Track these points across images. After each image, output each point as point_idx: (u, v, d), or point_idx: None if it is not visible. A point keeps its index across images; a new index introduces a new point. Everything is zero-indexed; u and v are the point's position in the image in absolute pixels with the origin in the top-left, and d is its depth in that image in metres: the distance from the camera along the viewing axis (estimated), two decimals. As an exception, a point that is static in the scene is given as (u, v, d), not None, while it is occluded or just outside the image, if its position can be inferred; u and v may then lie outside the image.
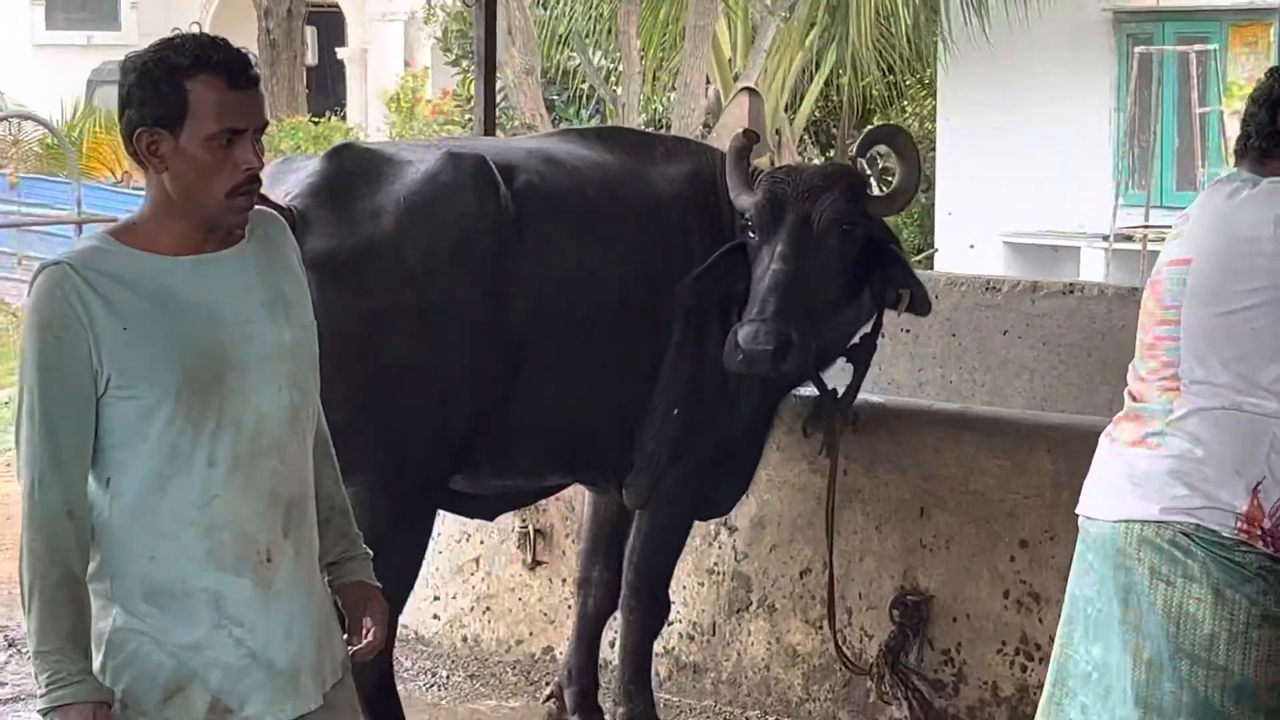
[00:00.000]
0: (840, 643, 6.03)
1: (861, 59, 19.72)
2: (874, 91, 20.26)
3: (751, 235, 5.60)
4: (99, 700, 3.07)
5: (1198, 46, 18.47)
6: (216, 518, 3.16)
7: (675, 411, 5.71)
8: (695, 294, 5.66)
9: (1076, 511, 4.14)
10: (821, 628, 6.11)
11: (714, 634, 6.55)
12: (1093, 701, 4.06)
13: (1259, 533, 3.75)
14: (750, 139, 6.05)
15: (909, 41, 20.01)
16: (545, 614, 6.97)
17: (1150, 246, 16.20)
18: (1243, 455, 3.80)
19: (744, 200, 5.65)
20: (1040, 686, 5.29)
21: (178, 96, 3.10)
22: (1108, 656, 4.00)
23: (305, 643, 3.30)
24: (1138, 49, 18.61)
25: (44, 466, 3.09)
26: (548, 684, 6.46)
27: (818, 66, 20.87)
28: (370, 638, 3.50)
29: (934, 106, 20.26)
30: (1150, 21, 19.01)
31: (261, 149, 3.31)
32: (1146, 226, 17.25)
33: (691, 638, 6.60)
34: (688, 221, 5.79)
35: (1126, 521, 3.89)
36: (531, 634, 7.08)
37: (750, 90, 16.69)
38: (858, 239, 5.65)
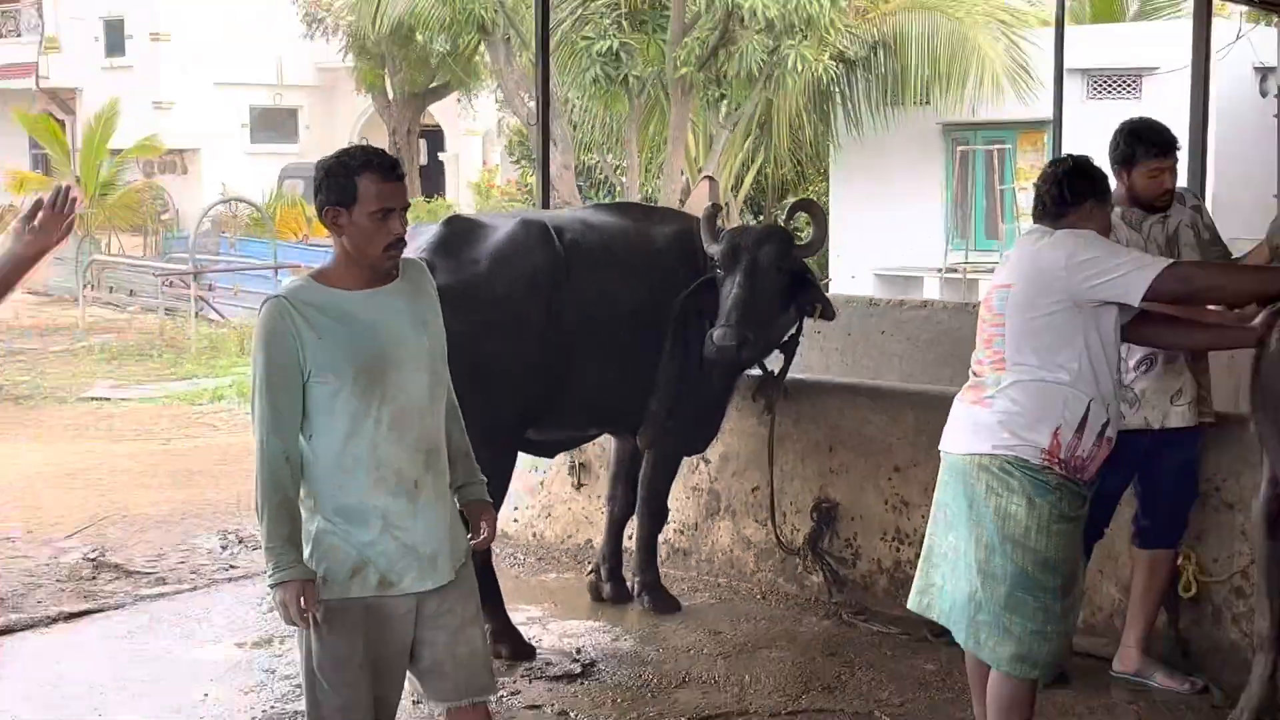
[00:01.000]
0: (778, 535, 6.84)
1: (780, 156, 22.39)
2: (788, 177, 23.14)
3: (719, 271, 6.21)
4: (307, 578, 3.60)
5: (998, 146, 21.15)
6: (381, 460, 3.68)
7: (670, 387, 6.31)
8: (683, 309, 6.30)
9: (939, 447, 4.58)
10: (766, 525, 6.88)
11: (696, 530, 7.23)
12: (949, 569, 4.46)
13: (1057, 461, 4.26)
14: (715, 209, 6.69)
15: (810, 144, 22.74)
16: (587, 518, 7.51)
17: (969, 276, 19.50)
18: (1045, 410, 4.27)
19: (713, 248, 6.28)
20: (908, 562, 6.19)
21: (351, 186, 3.66)
22: (959, 542, 4.38)
23: (440, 539, 3.80)
24: (959, 148, 21.47)
25: (269, 428, 3.62)
26: (589, 564, 7.06)
27: (752, 161, 23.07)
28: (483, 534, 4.03)
29: (827, 186, 22.83)
30: (967, 130, 21.69)
31: (406, 221, 3.77)
32: (966, 263, 20.16)
33: (681, 532, 7.22)
34: (675, 262, 6.42)
35: (971, 454, 4.36)
36: (578, 531, 7.71)
37: (709, 178, 17.49)
38: (786, 272, 6.29)
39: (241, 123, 35.23)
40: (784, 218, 6.76)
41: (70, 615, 6.77)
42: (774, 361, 6.72)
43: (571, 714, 5.50)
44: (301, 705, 5.26)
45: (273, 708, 5.58)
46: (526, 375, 5.92)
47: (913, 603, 4.73)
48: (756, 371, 6.67)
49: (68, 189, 4.05)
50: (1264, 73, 19.08)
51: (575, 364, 6.16)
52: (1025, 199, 21.64)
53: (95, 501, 9.20)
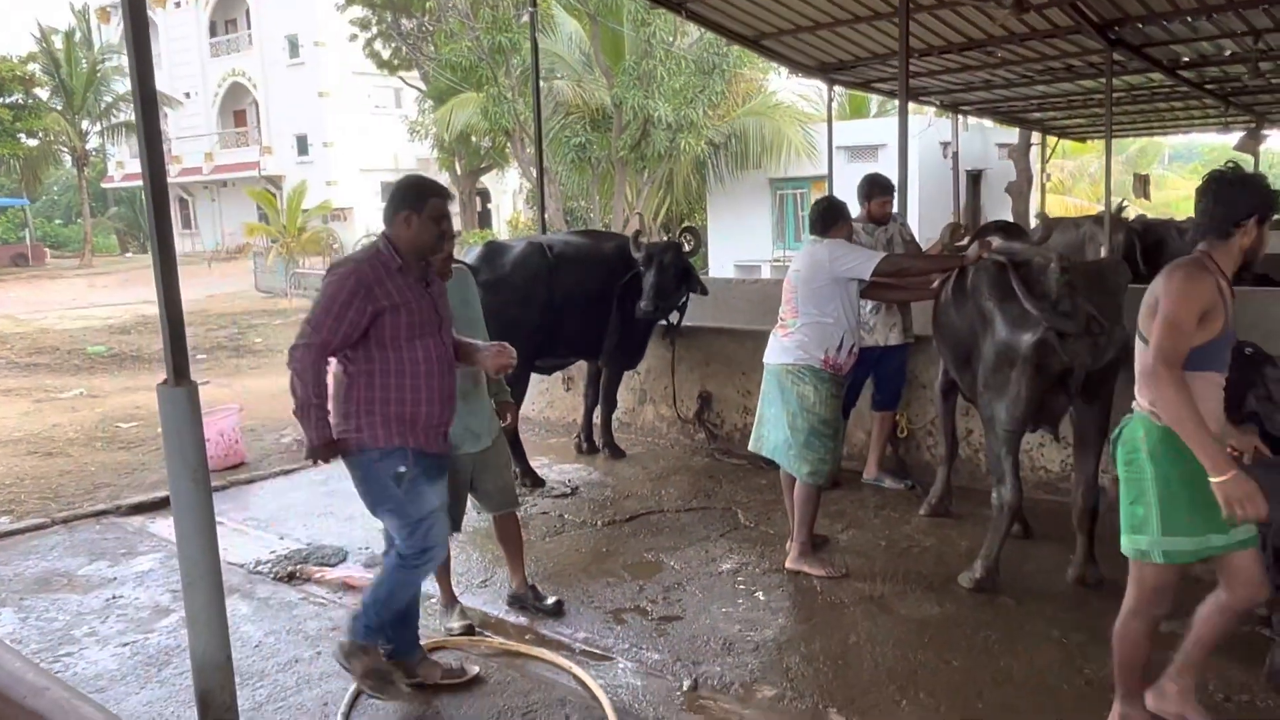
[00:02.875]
0: (679, 412, 6.94)
1: (678, 199, 22.31)
2: (684, 211, 22.72)
3: (641, 268, 6.18)
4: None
5: (799, 191, 21.18)
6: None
7: (616, 333, 6.35)
8: (623, 291, 6.25)
9: (763, 360, 4.61)
10: (672, 407, 6.97)
11: (634, 411, 7.26)
12: (772, 427, 4.54)
13: (829, 366, 4.38)
14: (638, 233, 6.64)
15: (695, 192, 22.44)
16: (573, 407, 7.40)
17: (785, 263, 18.66)
18: (821, 339, 4.38)
19: (637, 254, 6.22)
20: (750, 425, 6.52)
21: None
22: (777, 412, 4.49)
23: (483, 422, 3.90)
24: (779, 192, 21.56)
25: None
26: (574, 433, 7.00)
27: (662, 204, 22.83)
28: (509, 421, 4.08)
29: (706, 215, 22.57)
30: (782, 182, 21.66)
31: (454, 237, 3.55)
32: (784, 256, 20.06)
33: (625, 412, 7.16)
34: (617, 263, 6.31)
35: (781, 363, 4.44)
36: (568, 415, 7.50)
37: (639, 214, 17.92)
38: (679, 268, 6.26)
39: (374, 191, 34.99)
40: (678, 234, 6.59)
41: (286, 471, 6.81)
42: (674, 317, 6.68)
43: (565, 516, 5.58)
44: None
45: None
46: (535, 330, 5.89)
47: (752, 445, 4.82)
48: (664, 322, 6.71)
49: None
50: (945, 145, 19.33)
51: (562, 322, 6.18)
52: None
53: (295, 409, 9.18)
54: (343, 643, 3.41)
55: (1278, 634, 3.46)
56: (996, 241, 4.39)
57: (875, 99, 25.04)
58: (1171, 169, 39.77)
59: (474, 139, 25.69)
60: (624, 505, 5.74)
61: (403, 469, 3.26)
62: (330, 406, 3.26)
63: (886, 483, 5.73)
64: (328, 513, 5.80)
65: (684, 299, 6.61)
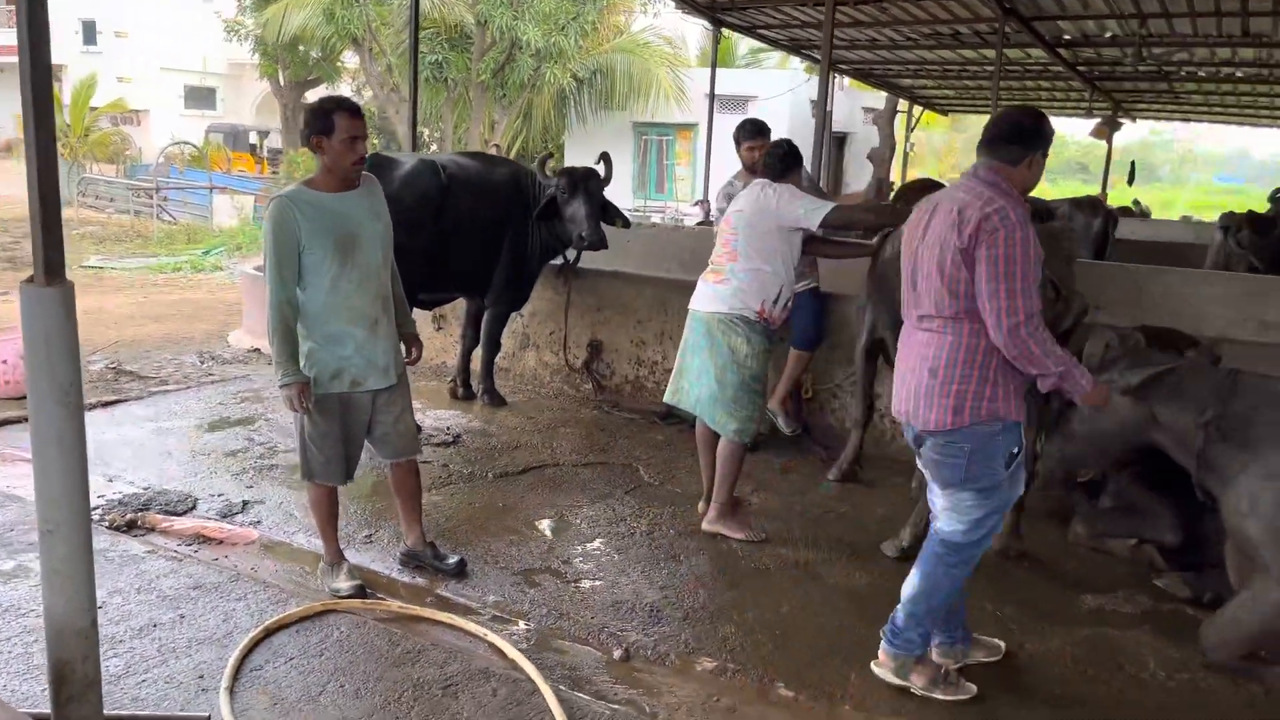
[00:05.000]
0: (567, 360, 6.73)
1: (535, 136, 21.53)
2: (540, 149, 21.22)
3: (563, 194, 5.84)
4: (304, 380, 3.49)
5: (664, 138, 21.42)
6: (353, 304, 3.53)
7: (508, 268, 6.06)
8: (538, 217, 5.95)
9: (690, 307, 4.44)
10: (558, 354, 6.77)
11: (514, 357, 6.97)
12: (695, 379, 4.41)
13: (765, 318, 4.28)
14: (549, 156, 6.42)
15: (554, 130, 21.80)
16: (443, 349, 7.13)
17: (646, 213, 19.02)
18: (760, 289, 4.27)
19: (551, 180, 5.89)
20: (643, 377, 6.28)
21: (329, 122, 3.45)
22: (702, 364, 4.35)
23: (390, 356, 3.68)
24: (643, 138, 21.37)
25: (277, 284, 3.42)
26: (448, 377, 6.73)
27: (518, 138, 22.00)
28: (414, 356, 3.92)
29: (563, 157, 21.43)
30: (647, 127, 21.48)
31: (366, 146, 3.56)
32: (644, 206, 20.13)
33: (505, 358, 6.83)
34: (511, 191, 6.03)
35: (714, 312, 4.30)
36: (436, 356, 7.16)
37: (496, 145, 17.21)
38: (601, 195, 5.97)
39: (177, 95, 32.52)
40: (594, 162, 6.33)
41: (106, 403, 6.17)
42: (570, 255, 6.48)
43: (450, 466, 5.29)
44: (274, 461, 5.17)
45: (253, 464, 5.22)
46: (422, 259, 5.52)
47: (669, 397, 4.66)
48: (558, 261, 6.46)
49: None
50: (815, 102, 19.73)
51: (450, 253, 5.84)
52: (681, 170, 21.84)
53: (105, 333, 8.38)
54: (895, 656, 3.23)
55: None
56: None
57: (741, 49, 25.28)
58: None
59: (302, 47, 24.14)
60: (515, 457, 5.49)
61: (1016, 450, 3.00)
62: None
63: (780, 421, 5.66)
64: (165, 453, 5.30)
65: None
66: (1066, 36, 11.90)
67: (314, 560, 3.97)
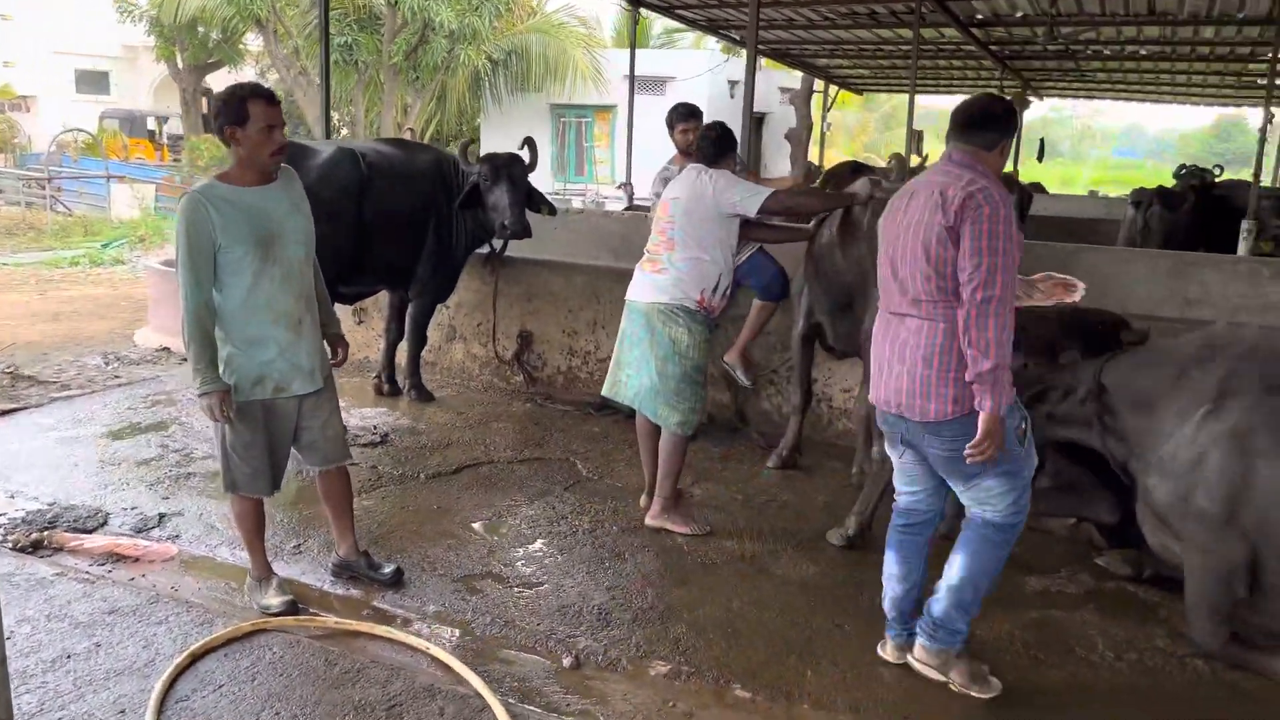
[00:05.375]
0: (497, 352, 6.53)
1: (450, 119, 20.86)
2: (454, 133, 21.60)
3: (485, 181, 5.69)
4: (224, 388, 3.29)
5: (583, 120, 21.08)
6: (275, 304, 3.35)
7: (432, 259, 5.89)
8: (461, 206, 5.77)
9: (627, 298, 4.34)
10: (487, 346, 6.58)
11: (440, 350, 6.75)
12: (634, 371, 4.31)
13: (705, 307, 4.20)
14: (470, 141, 6.23)
15: (469, 113, 21.30)
16: (366, 343, 6.86)
17: (567, 197, 18.26)
18: (699, 277, 4.18)
19: (474, 168, 5.74)
20: (576, 367, 6.18)
21: (243, 110, 3.24)
22: (641, 355, 4.25)
23: (315, 358, 3.50)
24: (561, 120, 20.94)
25: (192, 285, 3.21)
26: (371, 373, 6.47)
27: (432, 122, 21.40)
28: (339, 358, 3.72)
29: (480, 139, 21.15)
30: (565, 109, 21.10)
31: (284, 135, 3.36)
32: (564, 190, 19.62)
33: (431, 351, 6.61)
34: (434, 179, 5.85)
35: (653, 302, 4.21)
36: (359, 352, 6.79)
37: (410, 129, 16.67)
38: (526, 181, 5.85)
39: (69, 80, 30.88)
40: (518, 147, 6.09)
41: (3, 411, 5.78)
42: (496, 244, 6.32)
43: (380, 468, 5.09)
44: (190, 469, 4.91)
45: (168, 473, 4.93)
46: (342, 252, 5.30)
47: (607, 390, 4.56)
48: (485, 250, 6.29)
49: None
50: (733, 84, 19.72)
51: (372, 245, 5.62)
52: (600, 153, 21.62)
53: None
54: (937, 653, 3.16)
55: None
56: (878, 181, 4.35)
57: (656, 29, 25.13)
58: (921, 125, 43.03)
59: (201, 28, 23.21)
60: (447, 455, 5.30)
61: (1023, 425, 2.96)
62: None
63: (739, 373, 5.47)
64: (71, 464, 4.98)
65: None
66: (979, 16, 12.04)
67: (240, 575, 3.75)
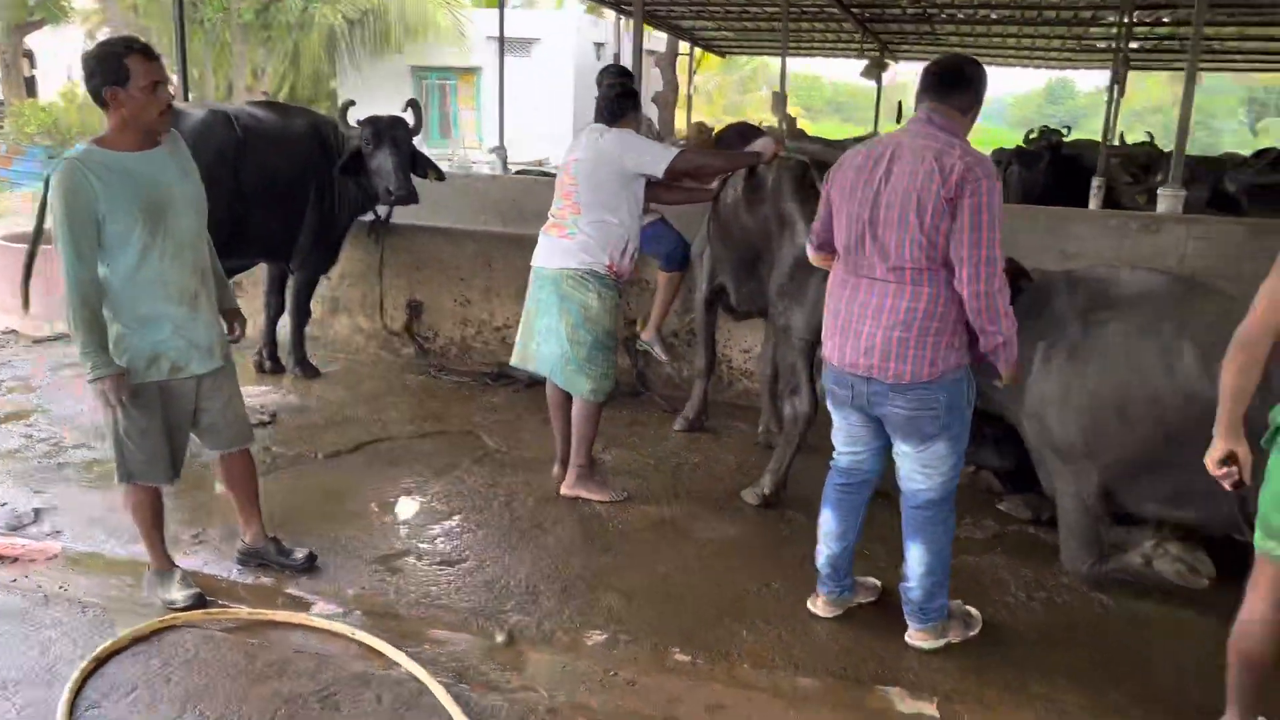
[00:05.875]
0: (385, 323, 6.31)
1: (304, 82, 19.80)
2: (309, 97, 20.54)
3: (367, 145, 5.49)
4: (118, 371, 3.07)
5: (446, 83, 20.50)
6: (168, 279, 3.14)
7: (314, 228, 5.63)
8: (342, 171, 5.53)
9: (532, 264, 4.24)
10: (373, 317, 6.35)
11: (323, 323, 6.46)
12: (543, 340, 4.22)
13: (614, 272, 4.12)
14: (350, 104, 5.83)
15: (326, 76, 20.25)
16: (252, 316, 6.19)
17: (443, 165, 16.28)
18: (606, 241, 4.09)
19: (355, 131, 5.53)
20: (470, 337, 6.04)
21: (123, 68, 2.99)
22: (551, 323, 4.16)
23: (213, 336, 3.31)
24: (424, 82, 20.06)
25: (74, 261, 2.98)
26: (255, 352, 6.03)
27: (286, 80, 20.24)
28: (237, 334, 3.55)
29: (336, 101, 20.37)
30: (427, 71, 20.44)
31: (169, 92, 3.14)
32: (431, 154, 18.86)
33: (313, 324, 6.22)
34: (312, 143, 5.61)
35: (561, 268, 4.11)
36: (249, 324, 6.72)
37: (265, 93, 15.90)
38: (411, 144, 5.67)
39: None
40: (402, 110, 5.85)
41: None
42: (382, 211, 6.08)
43: (273, 449, 4.84)
44: (62, 459, 4.63)
45: (37, 464, 4.58)
46: (218, 223, 4.91)
47: (516, 360, 4.47)
48: (369, 218, 6.04)
49: None
50: (599, 46, 19.53)
51: (250, 215, 5.32)
52: (466, 115, 21.06)
53: None
54: (933, 628, 3.22)
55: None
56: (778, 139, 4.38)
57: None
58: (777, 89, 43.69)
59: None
60: (344, 433, 5.09)
61: (974, 393, 3.05)
62: None
63: (656, 349, 5.46)
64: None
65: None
66: (844, -21, 12.27)
67: (134, 570, 3.51)
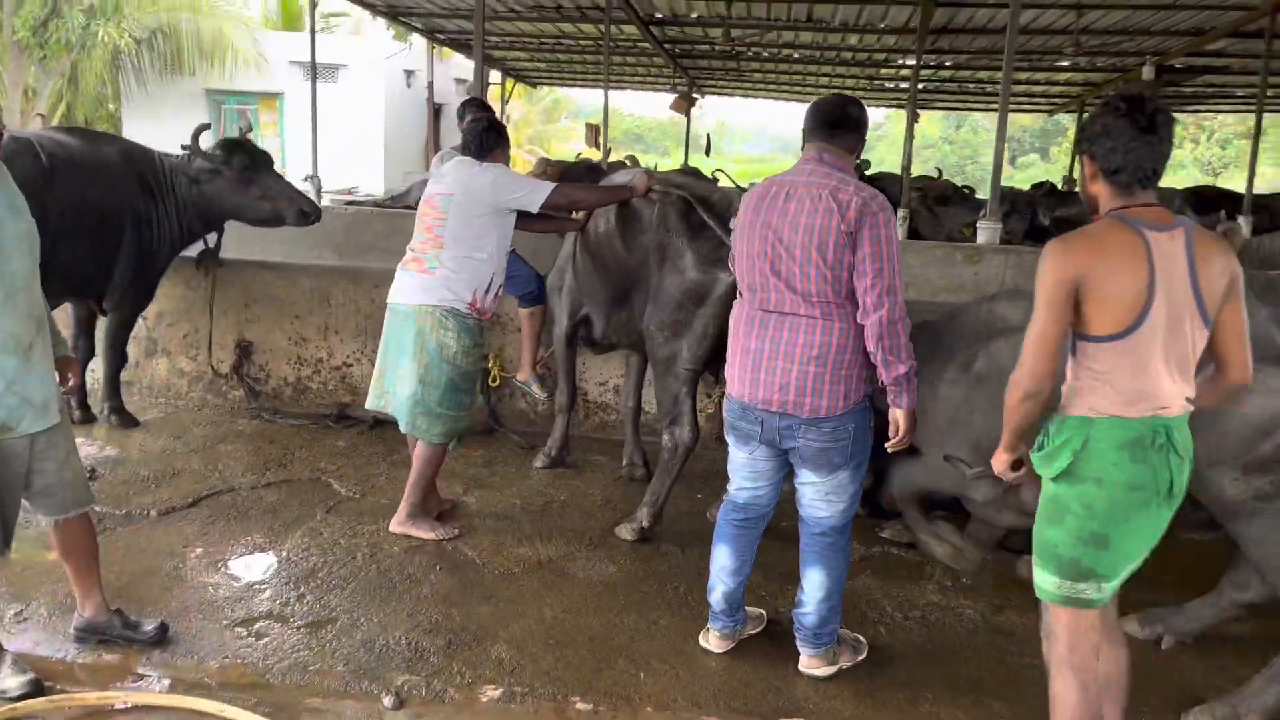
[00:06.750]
0: (213, 365, 5.89)
1: (87, 104, 18.47)
2: (94, 119, 19.03)
3: (244, 169, 5.30)
4: None
5: (246, 107, 18.84)
6: (1, 328, 2.85)
7: (131, 264, 5.25)
8: (138, 210, 5.18)
9: (389, 300, 4.11)
10: (197, 359, 5.94)
11: (137, 367, 6.01)
12: (393, 379, 4.10)
13: (476, 310, 4.03)
14: (205, 127, 5.60)
15: (110, 98, 18.97)
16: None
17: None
18: (471, 277, 4.00)
19: (203, 154, 5.31)
20: (306, 377, 5.78)
21: None
22: (406, 363, 4.02)
23: (49, 390, 3.00)
24: (222, 107, 18.79)
25: None
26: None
27: (63, 102, 18.64)
28: (70, 384, 3.22)
29: (121, 128, 18.58)
30: (224, 95, 19.25)
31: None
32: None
33: (129, 369, 5.79)
34: (127, 172, 5.24)
35: (420, 304, 3.99)
36: None
37: (41, 115, 14.61)
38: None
39: None
40: (193, 136, 5.50)
41: None
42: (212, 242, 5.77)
43: (98, 508, 4.34)
44: None
45: None
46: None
47: (371, 404, 4.29)
48: (196, 249, 5.69)
49: None
50: (409, 74, 19.18)
51: (58, 250, 4.81)
52: (268, 142, 20.05)
53: None
54: (825, 653, 3.24)
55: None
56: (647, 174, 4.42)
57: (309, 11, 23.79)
58: (578, 120, 44.33)
59: None
60: (178, 486, 4.70)
61: (871, 422, 3.08)
62: None
63: (534, 388, 5.36)
64: None
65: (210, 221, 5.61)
66: (659, 15, 12.58)
67: (-50, 659, 3.08)
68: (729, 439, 3.23)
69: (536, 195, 4.07)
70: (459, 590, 3.79)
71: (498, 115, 19.23)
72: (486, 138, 4.18)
